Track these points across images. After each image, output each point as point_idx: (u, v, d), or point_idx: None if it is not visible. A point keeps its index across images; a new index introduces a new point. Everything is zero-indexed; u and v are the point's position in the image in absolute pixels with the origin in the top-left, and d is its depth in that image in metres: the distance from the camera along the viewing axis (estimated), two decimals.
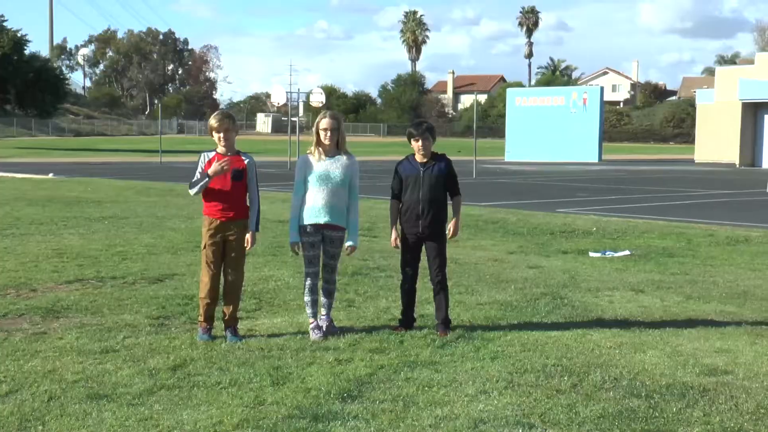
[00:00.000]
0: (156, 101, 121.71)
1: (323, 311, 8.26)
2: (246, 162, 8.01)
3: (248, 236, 7.94)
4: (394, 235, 8.46)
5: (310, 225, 8.02)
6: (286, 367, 6.90)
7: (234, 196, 7.95)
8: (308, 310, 8.27)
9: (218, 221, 7.93)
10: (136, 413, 5.79)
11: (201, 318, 8.01)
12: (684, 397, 6.25)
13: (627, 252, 13.65)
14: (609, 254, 13.44)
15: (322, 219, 7.98)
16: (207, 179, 7.92)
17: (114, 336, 7.91)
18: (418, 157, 8.38)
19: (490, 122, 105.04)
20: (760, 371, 6.99)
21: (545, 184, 32.04)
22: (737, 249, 14.05)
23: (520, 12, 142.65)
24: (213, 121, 8.02)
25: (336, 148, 8.07)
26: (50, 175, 33.21)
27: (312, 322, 8.17)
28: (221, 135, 7.92)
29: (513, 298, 9.85)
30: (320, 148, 8.01)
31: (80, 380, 6.55)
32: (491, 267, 12.06)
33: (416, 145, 8.29)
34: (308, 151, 8.21)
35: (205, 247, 8.01)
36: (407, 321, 8.49)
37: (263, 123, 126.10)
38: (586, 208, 21.65)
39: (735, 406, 6.11)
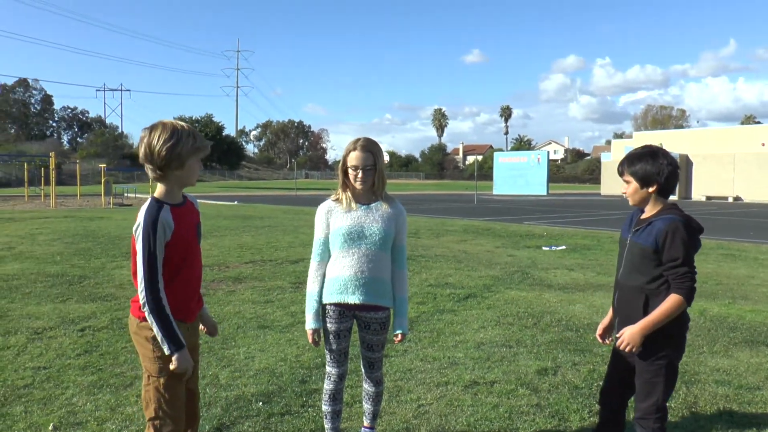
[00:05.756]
0: (293, 160, 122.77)
1: (366, 420, 3.51)
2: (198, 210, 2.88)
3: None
4: (603, 323, 3.41)
5: (335, 305, 3.29)
6: None
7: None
8: (327, 425, 3.42)
9: (191, 324, 2.79)
10: (285, 337, 5.88)
11: None
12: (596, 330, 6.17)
13: (564, 247, 13.42)
14: (554, 248, 13.23)
15: (353, 298, 3.23)
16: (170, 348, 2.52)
17: (271, 293, 8.01)
18: (642, 206, 2.98)
19: (485, 172, 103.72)
20: None
21: (516, 207, 31.64)
22: None
23: (501, 108, 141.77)
24: (201, 143, 2.64)
25: (371, 192, 3.24)
26: (235, 202, 33.60)
27: None
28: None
29: (499, 273, 9.75)
30: (349, 193, 3.24)
31: (253, 318, 6.65)
32: (486, 255, 11.97)
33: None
34: (333, 197, 3.28)
35: (168, 378, 2.60)
36: None
37: None
38: (539, 221, 21.30)
39: None
